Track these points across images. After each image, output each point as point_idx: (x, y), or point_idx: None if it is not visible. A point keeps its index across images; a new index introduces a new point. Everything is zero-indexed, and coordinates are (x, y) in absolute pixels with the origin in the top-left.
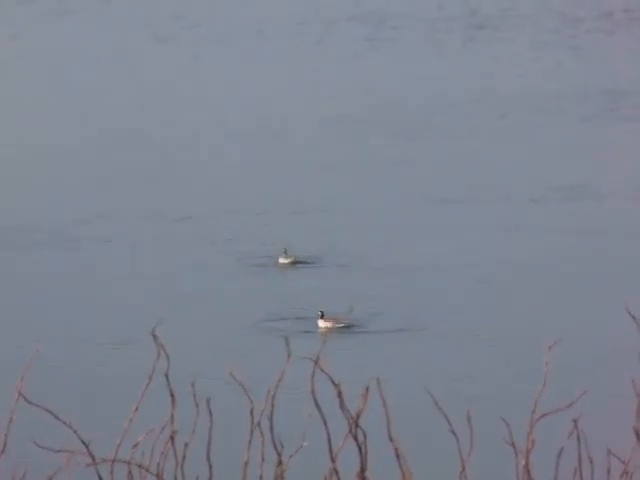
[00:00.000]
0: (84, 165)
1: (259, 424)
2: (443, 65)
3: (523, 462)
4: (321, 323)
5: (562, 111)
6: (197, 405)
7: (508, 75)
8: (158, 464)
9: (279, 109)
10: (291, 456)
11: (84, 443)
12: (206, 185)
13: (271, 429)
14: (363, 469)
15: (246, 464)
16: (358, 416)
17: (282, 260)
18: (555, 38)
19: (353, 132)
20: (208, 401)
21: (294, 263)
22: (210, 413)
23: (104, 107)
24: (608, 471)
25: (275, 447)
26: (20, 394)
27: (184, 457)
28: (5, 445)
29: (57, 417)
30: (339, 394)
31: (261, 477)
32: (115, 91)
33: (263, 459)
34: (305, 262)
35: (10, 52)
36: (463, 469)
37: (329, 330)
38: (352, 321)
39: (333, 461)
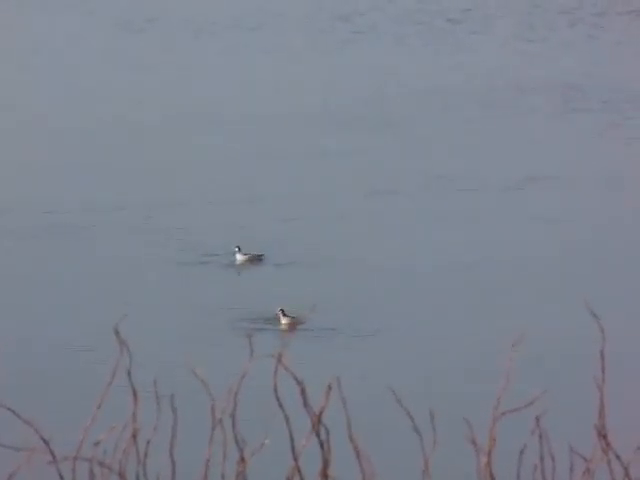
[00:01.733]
0: (48, 155)
1: (221, 421)
2: (416, 59)
3: (485, 460)
4: (283, 320)
5: (531, 103)
6: (159, 402)
7: (479, 69)
8: (120, 462)
9: (250, 102)
10: (253, 454)
11: (45, 441)
12: (166, 177)
13: (233, 426)
14: (326, 466)
15: (208, 462)
16: (321, 413)
17: (239, 257)
18: (527, 32)
19: (322, 126)
20: (171, 399)
21: (251, 260)
22: (172, 410)
23: (82, 97)
24: (570, 469)
25: (237, 444)
26: None
27: (146, 455)
28: None
29: (17, 415)
30: (302, 392)
31: (223, 475)
32: (96, 81)
33: (225, 457)
34: (263, 259)
35: None
36: (426, 467)
37: (291, 327)
38: (312, 319)
39: (296, 459)
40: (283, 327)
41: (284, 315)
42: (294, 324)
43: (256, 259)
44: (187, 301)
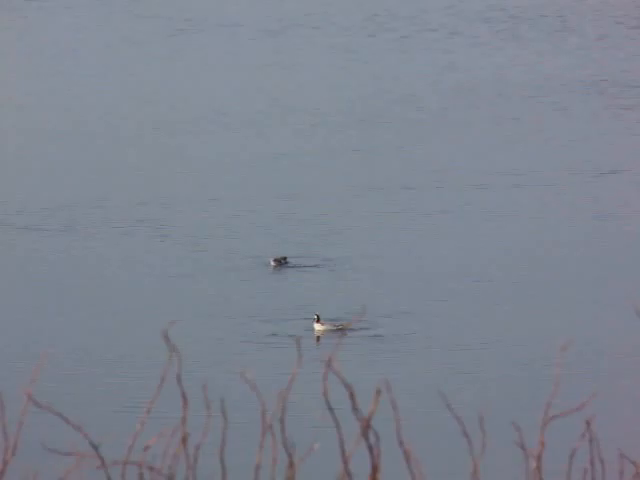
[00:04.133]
0: (70, 159)
1: (270, 426)
2: (476, 56)
3: (534, 464)
4: (317, 326)
5: (584, 100)
6: (209, 407)
7: (538, 66)
8: (170, 466)
9: (300, 101)
10: (302, 458)
11: (94, 446)
12: (200, 181)
13: (282, 431)
14: (375, 471)
15: (258, 466)
16: (370, 418)
17: (272, 262)
18: (582, 31)
19: (348, 124)
20: (220, 403)
21: (284, 264)
22: (222, 415)
23: (88, 99)
24: (620, 473)
25: (286, 449)
26: (30, 398)
27: (196, 459)
28: (15, 448)
29: (67, 420)
30: (351, 396)
31: (273, 479)
32: (102, 85)
33: (275, 461)
34: (302, 264)
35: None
36: (475, 471)
37: (324, 333)
38: (348, 324)
39: (345, 463)
40: (318, 333)
41: (318, 321)
42: (329, 328)
43: (283, 262)
44: (234, 307)
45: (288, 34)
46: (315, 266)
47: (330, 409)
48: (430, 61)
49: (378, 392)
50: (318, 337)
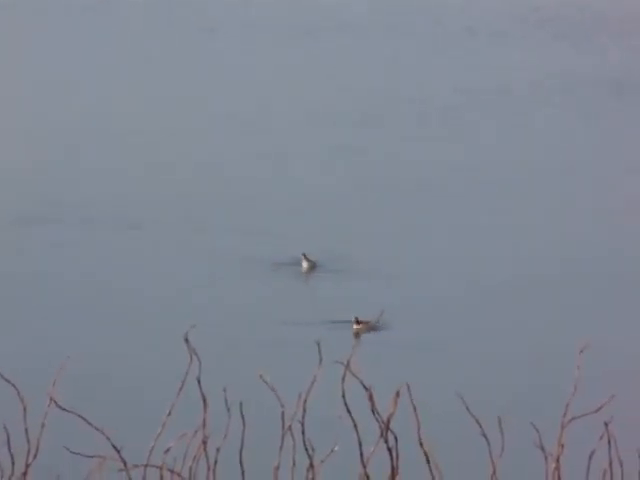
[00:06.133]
0: (90, 163)
1: (290, 428)
2: (515, 56)
3: (553, 465)
4: (355, 326)
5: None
6: (229, 410)
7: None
8: (190, 469)
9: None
10: (322, 460)
11: (116, 448)
12: (212, 185)
13: (302, 433)
14: (394, 473)
15: (277, 468)
16: (389, 420)
17: (303, 264)
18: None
19: (348, 125)
20: (240, 406)
21: (314, 267)
22: (242, 418)
23: (100, 102)
24: (639, 474)
25: (306, 451)
26: (52, 400)
27: (216, 462)
28: (37, 451)
29: (89, 423)
30: (370, 398)
31: None
32: (115, 88)
33: (294, 463)
34: (324, 266)
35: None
36: (494, 473)
37: (362, 331)
38: (380, 326)
39: (364, 466)
40: (354, 331)
41: (357, 322)
42: (363, 330)
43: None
44: (249, 308)
45: (320, 36)
46: (339, 269)
47: (349, 411)
48: (465, 62)
49: (397, 394)
50: (357, 334)
